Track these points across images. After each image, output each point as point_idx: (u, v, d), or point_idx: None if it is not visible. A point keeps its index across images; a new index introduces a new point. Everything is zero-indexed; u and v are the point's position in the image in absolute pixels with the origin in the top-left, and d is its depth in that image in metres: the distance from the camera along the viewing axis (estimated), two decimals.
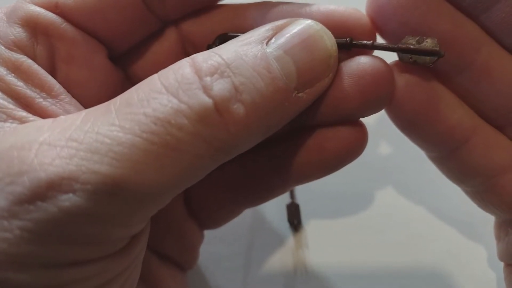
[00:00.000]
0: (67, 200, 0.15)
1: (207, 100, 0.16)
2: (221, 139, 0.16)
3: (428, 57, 0.19)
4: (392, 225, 0.29)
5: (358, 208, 0.30)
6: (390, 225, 0.29)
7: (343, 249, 0.29)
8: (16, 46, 0.19)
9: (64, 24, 0.20)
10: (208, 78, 0.17)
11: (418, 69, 0.20)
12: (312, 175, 0.21)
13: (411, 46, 0.19)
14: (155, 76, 0.17)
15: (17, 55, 0.18)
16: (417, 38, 0.19)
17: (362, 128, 0.20)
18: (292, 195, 0.29)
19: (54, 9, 0.20)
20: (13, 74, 0.18)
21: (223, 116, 0.16)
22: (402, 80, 0.20)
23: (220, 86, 0.16)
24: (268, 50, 0.18)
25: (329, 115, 0.20)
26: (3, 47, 0.19)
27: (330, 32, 0.19)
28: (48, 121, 0.17)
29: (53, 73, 0.20)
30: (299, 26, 0.18)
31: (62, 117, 0.17)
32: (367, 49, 0.20)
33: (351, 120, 0.20)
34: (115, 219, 0.16)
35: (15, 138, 0.16)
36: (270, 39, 0.18)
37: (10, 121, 0.17)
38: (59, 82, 0.19)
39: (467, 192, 0.23)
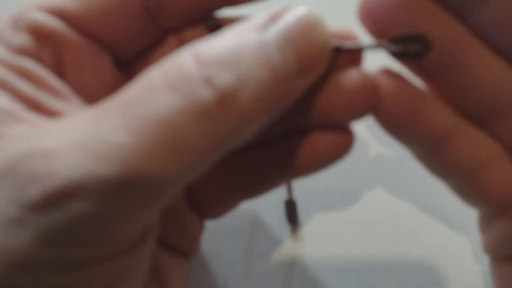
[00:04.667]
0: (76, 206, 0.15)
1: (209, 95, 0.16)
2: (225, 133, 0.16)
3: (419, 46, 0.18)
4: (385, 220, 0.30)
5: (352, 204, 0.30)
6: (382, 220, 0.30)
7: (338, 243, 0.29)
8: (23, 53, 0.18)
9: (70, 31, 0.20)
10: (210, 70, 0.16)
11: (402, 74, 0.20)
12: (303, 172, 0.22)
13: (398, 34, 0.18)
14: (154, 70, 0.17)
15: (24, 60, 0.18)
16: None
17: (349, 134, 0.21)
18: (289, 192, 0.30)
19: (60, 16, 0.19)
20: (21, 78, 0.18)
21: (226, 109, 0.16)
22: (386, 85, 0.20)
23: (223, 78, 0.16)
24: (267, 38, 0.17)
25: (320, 121, 0.21)
26: (10, 53, 0.18)
27: (324, 21, 0.18)
28: (54, 123, 0.17)
29: (60, 79, 0.19)
30: (296, 14, 0.18)
31: (67, 118, 0.17)
32: (357, 51, 0.20)
33: (340, 125, 0.21)
34: (124, 219, 0.16)
35: (22, 146, 0.16)
36: (268, 26, 0.17)
37: (19, 124, 0.16)
38: None
39: (451, 188, 0.23)
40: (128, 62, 0.22)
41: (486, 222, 0.23)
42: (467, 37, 0.20)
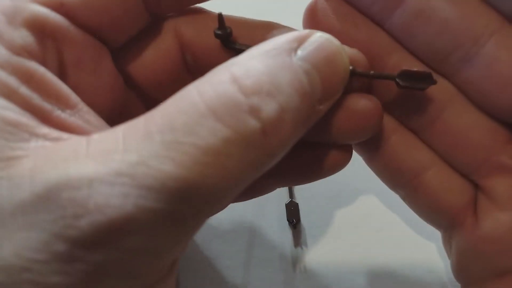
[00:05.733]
0: (128, 241, 0.14)
1: (255, 124, 0.16)
2: (264, 159, 0.16)
3: (424, 83, 0.20)
4: (387, 223, 0.30)
5: (354, 207, 0.30)
6: (384, 223, 0.30)
7: (340, 247, 0.29)
8: (26, 53, 0.16)
9: (71, 26, 0.18)
10: (255, 99, 0.16)
11: None
12: (304, 181, 0.23)
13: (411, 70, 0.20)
14: (195, 93, 0.16)
15: (28, 62, 0.16)
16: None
17: (349, 151, 0.22)
18: (291, 194, 0.30)
19: (60, 8, 0.18)
20: (26, 85, 0.16)
21: (268, 137, 0.16)
22: None
23: (269, 108, 0.16)
24: (298, 64, 0.17)
25: (327, 139, 0.21)
26: (11, 53, 0.16)
27: (344, 47, 0.19)
28: (82, 143, 0.15)
29: (62, 80, 0.17)
30: (320, 40, 0.18)
31: (95, 137, 0.16)
32: (368, 78, 0.21)
33: (343, 144, 0.22)
34: (168, 250, 0.16)
35: (57, 173, 0.15)
36: (296, 51, 0.17)
37: (35, 140, 0.15)
38: None
39: (404, 201, 0.24)
40: (122, 59, 0.21)
41: (446, 242, 0.23)
42: (391, 44, 0.21)
